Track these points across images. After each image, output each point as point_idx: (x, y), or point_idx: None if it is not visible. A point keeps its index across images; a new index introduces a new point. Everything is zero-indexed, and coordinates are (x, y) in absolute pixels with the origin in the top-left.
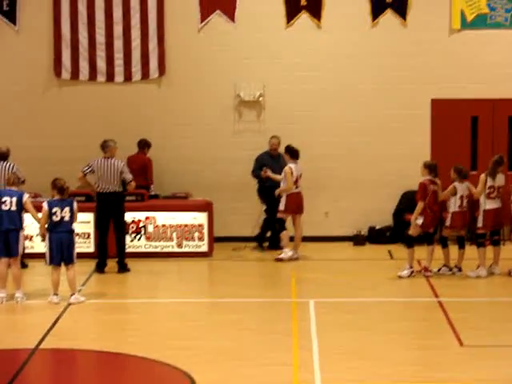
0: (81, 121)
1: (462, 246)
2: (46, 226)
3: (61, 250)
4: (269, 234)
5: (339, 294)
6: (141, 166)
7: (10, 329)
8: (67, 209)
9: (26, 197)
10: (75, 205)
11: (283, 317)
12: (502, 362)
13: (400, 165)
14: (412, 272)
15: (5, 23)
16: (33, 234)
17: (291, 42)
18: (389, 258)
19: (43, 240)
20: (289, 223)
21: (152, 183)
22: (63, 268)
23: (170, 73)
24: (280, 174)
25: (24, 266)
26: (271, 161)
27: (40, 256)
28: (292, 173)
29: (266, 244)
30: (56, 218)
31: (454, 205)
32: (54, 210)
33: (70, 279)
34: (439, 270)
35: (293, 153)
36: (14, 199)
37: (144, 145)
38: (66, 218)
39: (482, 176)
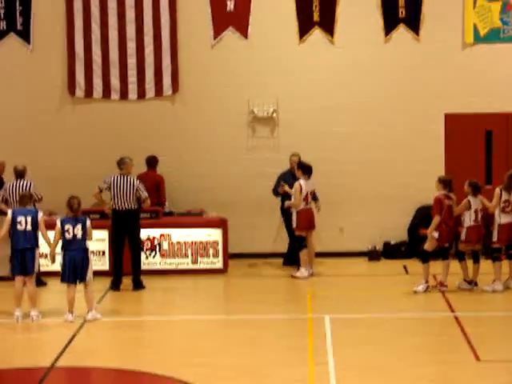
0: (95, 138)
1: (476, 261)
2: (60, 243)
3: (74, 268)
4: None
5: (355, 309)
6: (154, 183)
7: (26, 347)
8: (79, 226)
9: (40, 215)
10: (88, 222)
11: (299, 333)
12: None
13: (414, 180)
14: (428, 287)
15: (19, 42)
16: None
17: (304, 58)
18: (404, 273)
19: (53, 262)
20: None
21: (165, 200)
22: (80, 286)
23: (183, 90)
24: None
25: (42, 283)
26: (292, 178)
27: (56, 274)
28: (301, 189)
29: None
30: (68, 236)
31: (468, 219)
32: (66, 227)
33: (87, 297)
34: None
35: (305, 169)
36: (29, 218)
37: (154, 162)
38: (79, 236)
39: (497, 190)
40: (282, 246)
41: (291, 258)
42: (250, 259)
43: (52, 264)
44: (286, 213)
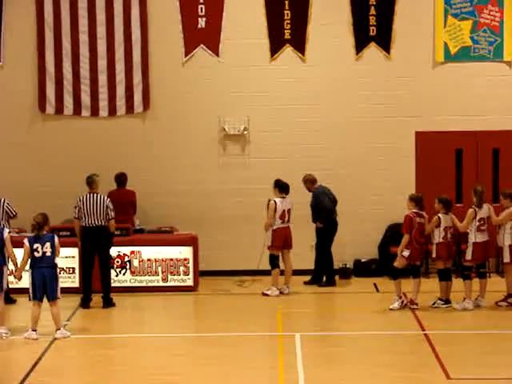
0: (65, 155)
1: (448, 279)
2: (29, 262)
3: (43, 285)
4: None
5: (325, 327)
6: (128, 200)
7: None
8: (48, 244)
9: (5, 232)
10: (56, 239)
11: (269, 351)
12: None
13: (385, 197)
14: (402, 302)
15: None
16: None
17: (275, 76)
18: (374, 291)
19: (19, 279)
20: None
21: (135, 215)
22: (46, 303)
23: (154, 107)
24: (322, 203)
25: (12, 301)
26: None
27: (25, 291)
28: (276, 208)
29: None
30: (38, 254)
31: (438, 236)
32: (35, 246)
33: (54, 315)
34: (434, 303)
35: (281, 187)
36: None
37: (124, 179)
38: (48, 254)
39: (470, 210)
40: (253, 263)
41: (317, 277)
42: (221, 277)
43: (18, 282)
44: (316, 229)
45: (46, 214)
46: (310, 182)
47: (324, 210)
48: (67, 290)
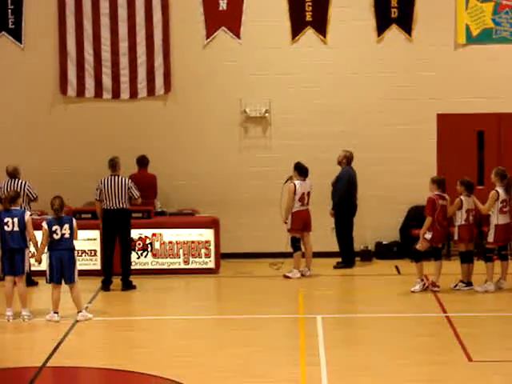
0: (87, 138)
1: (470, 261)
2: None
3: (61, 268)
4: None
5: (346, 309)
6: (148, 182)
7: (17, 347)
8: (67, 226)
9: (27, 215)
10: (74, 222)
11: (291, 333)
12: (510, 378)
13: (406, 180)
14: (424, 285)
15: (10, 41)
16: None
17: (297, 58)
18: (396, 274)
19: (39, 262)
20: None
21: (155, 198)
22: (66, 286)
23: (175, 89)
24: (339, 188)
25: (33, 283)
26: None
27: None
28: (295, 191)
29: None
30: (56, 236)
31: (460, 218)
32: (53, 228)
33: (74, 298)
34: (455, 285)
35: (301, 170)
36: (16, 219)
37: (145, 161)
38: (67, 236)
39: (493, 192)
40: (274, 245)
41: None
42: (242, 259)
43: (38, 265)
44: (336, 213)
45: (61, 196)
46: (347, 158)
47: (339, 195)
48: (89, 273)
